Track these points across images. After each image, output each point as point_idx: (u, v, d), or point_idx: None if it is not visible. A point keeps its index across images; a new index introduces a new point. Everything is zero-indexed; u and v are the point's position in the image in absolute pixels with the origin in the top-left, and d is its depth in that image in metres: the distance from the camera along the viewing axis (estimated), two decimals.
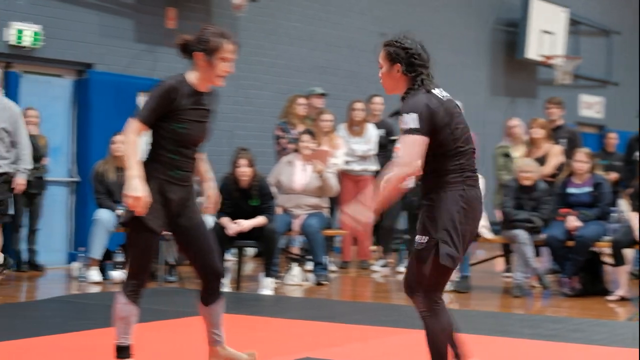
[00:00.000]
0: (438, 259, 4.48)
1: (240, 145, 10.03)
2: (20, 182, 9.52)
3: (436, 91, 4.60)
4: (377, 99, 12.16)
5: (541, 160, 10.48)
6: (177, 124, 5.02)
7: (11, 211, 10.04)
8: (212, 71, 5.06)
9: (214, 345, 5.43)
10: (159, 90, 5.00)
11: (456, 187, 4.53)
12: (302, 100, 11.62)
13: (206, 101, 5.16)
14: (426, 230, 4.52)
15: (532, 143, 10.81)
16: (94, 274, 10.02)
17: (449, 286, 9.84)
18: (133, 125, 4.98)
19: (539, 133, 10.72)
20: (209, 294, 5.31)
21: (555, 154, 10.71)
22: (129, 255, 5.13)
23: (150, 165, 5.04)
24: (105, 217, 10.09)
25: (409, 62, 4.64)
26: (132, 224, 5.04)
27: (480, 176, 4.40)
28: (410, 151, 4.45)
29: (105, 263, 10.21)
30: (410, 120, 4.47)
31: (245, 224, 9.38)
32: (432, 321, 4.57)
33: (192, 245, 5.22)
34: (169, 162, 5.06)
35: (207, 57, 5.04)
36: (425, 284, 4.54)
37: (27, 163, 9.55)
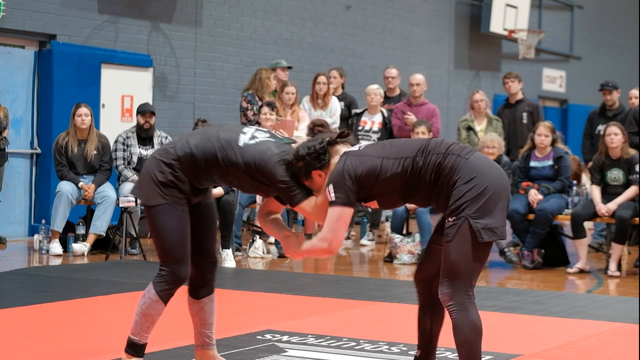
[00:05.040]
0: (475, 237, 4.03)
1: (201, 117, 9.98)
2: None
3: None
4: (334, 72, 12.25)
5: None
6: None
7: None
8: None
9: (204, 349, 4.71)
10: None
11: None
12: (274, 73, 11.60)
13: None
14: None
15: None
16: (56, 247, 9.98)
17: (411, 259, 9.88)
18: None
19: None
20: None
21: None
22: None
23: None
24: (67, 190, 10.04)
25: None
26: None
27: None
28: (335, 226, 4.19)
29: (66, 235, 10.16)
30: None
31: None
32: (461, 316, 4.05)
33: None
34: None
35: None
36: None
37: None
